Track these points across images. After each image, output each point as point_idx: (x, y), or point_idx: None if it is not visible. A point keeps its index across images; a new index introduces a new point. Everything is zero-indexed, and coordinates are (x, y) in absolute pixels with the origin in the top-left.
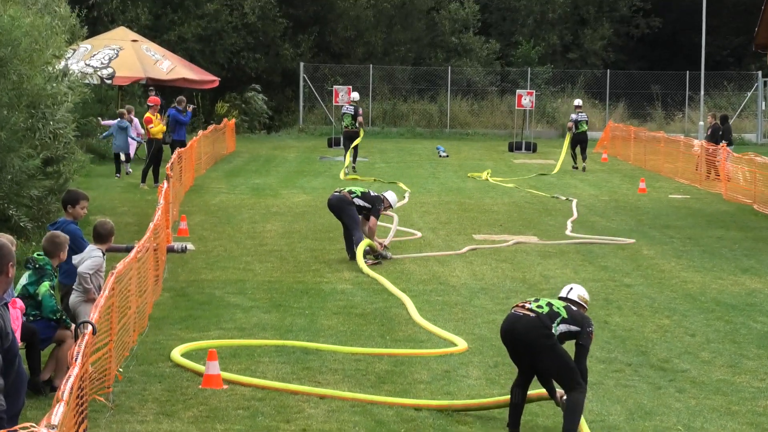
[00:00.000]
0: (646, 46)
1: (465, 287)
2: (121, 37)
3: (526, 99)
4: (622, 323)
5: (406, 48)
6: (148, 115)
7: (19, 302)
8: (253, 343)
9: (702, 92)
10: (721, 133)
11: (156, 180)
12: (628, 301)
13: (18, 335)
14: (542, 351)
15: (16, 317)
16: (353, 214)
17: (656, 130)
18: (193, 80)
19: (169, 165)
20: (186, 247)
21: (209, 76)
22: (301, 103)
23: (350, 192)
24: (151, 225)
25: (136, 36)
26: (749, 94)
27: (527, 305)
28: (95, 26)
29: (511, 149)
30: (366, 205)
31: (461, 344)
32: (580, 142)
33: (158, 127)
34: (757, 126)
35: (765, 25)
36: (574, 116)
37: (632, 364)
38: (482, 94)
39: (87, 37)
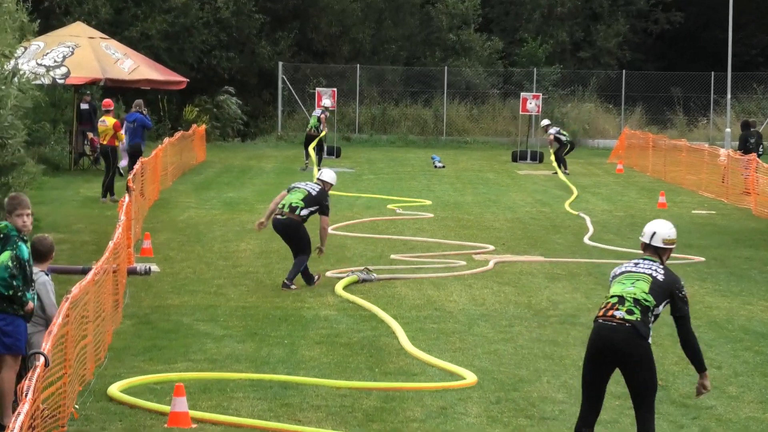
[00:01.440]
0: (666, 43)
1: (463, 313)
2: (77, 33)
3: (532, 103)
4: None
5: (397, 46)
6: (116, 120)
7: None
8: (225, 377)
9: (728, 95)
10: (752, 141)
11: (110, 193)
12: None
13: None
14: (640, 363)
15: None
16: (304, 236)
17: (677, 138)
18: (158, 81)
19: (131, 176)
20: (150, 268)
21: (177, 77)
22: (280, 108)
23: (293, 209)
24: (111, 244)
25: (94, 32)
26: None
27: (617, 313)
28: (48, 20)
29: (514, 159)
30: (314, 209)
31: (470, 377)
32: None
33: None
34: None
35: None
36: (552, 131)
37: None
38: (483, 97)
39: (39, 33)
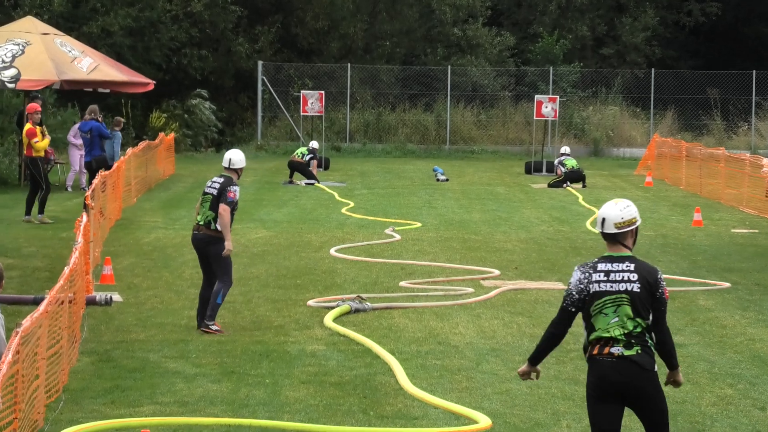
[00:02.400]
0: (701, 38)
1: (471, 348)
2: (27, 28)
3: (548, 107)
4: (672, 393)
5: (393, 42)
6: (29, 126)
7: None
8: (198, 422)
9: None
10: None
11: (29, 211)
12: (681, 366)
13: None
14: (653, 397)
15: None
16: (221, 259)
17: (714, 147)
18: (120, 83)
19: (89, 192)
20: (111, 298)
21: (142, 79)
22: (260, 113)
23: (207, 224)
24: (66, 270)
25: (47, 27)
26: None
27: (614, 350)
28: None
29: (528, 171)
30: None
31: (482, 421)
32: (576, 180)
33: (43, 141)
34: None
35: None
36: (556, 160)
37: None
38: (492, 100)
39: None
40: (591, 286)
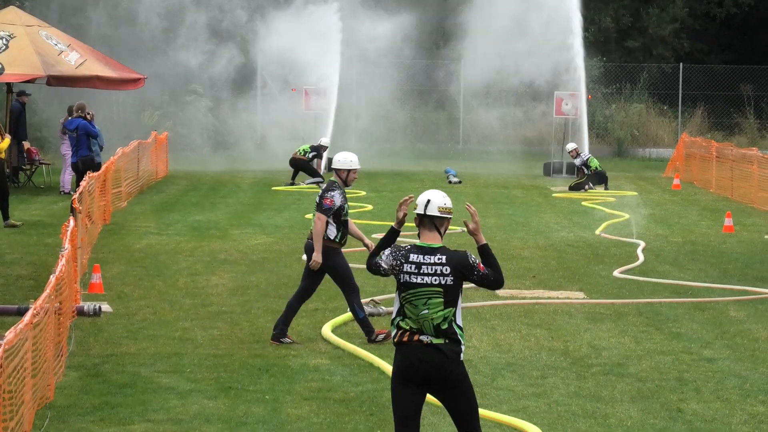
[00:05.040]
0: (734, 31)
1: (485, 362)
2: (11, 20)
3: (569, 104)
4: (701, 411)
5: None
6: None
7: None
8: None
9: None
10: None
11: (6, 216)
12: (710, 382)
13: None
14: (458, 383)
15: None
16: (338, 265)
17: (747, 147)
18: (111, 80)
19: (76, 195)
20: (100, 308)
21: (133, 74)
22: (259, 111)
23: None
24: (52, 278)
25: (31, 19)
26: None
27: (423, 338)
28: None
29: (547, 173)
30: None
31: (532, 430)
32: (600, 183)
33: (3, 142)
34: None
35: None
36: (578, 160)
37: None
38: (508, 97)
39: None
40: (402, 276)
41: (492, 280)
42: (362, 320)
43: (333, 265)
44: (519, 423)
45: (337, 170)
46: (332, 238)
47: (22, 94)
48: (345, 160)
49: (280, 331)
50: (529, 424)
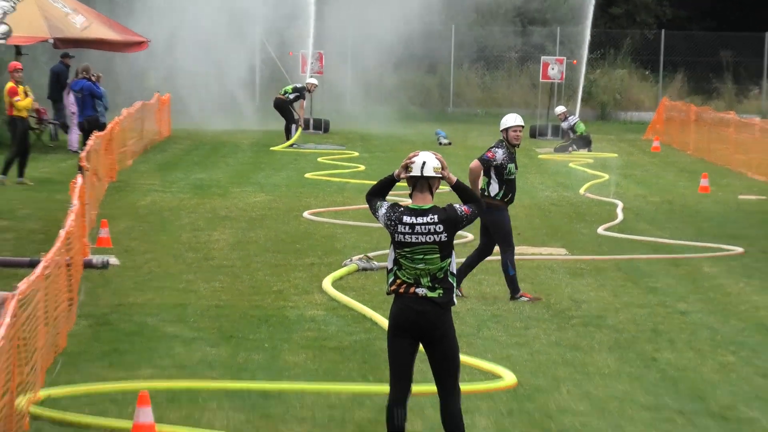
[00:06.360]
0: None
1: (472, 314)
2: None
3: (555, 68)
4: (674, 361)
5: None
6: (11, 85)
7: None
8: (196, 386)
9: None
10: None
11: (21, 173)
12: (683, 333)
13: None
14: (446, 334)
15: None
16: (495, 227)
17: (725, 111)
18: (114, 43)
19: (84, 153)
20: (108, 261)
21: (137, 38)
22: (258, 74)
23: (483, 189)
24: (62, 233)
25: None
26: None
27: (419, 290)
28: None
29: (533, 135)
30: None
31: (508, 377)
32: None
33: (26, 101)
34: None
35: None
36: (565, 124)
37: (686, 412)
38: (496, 62)
39: None
40: (396, 235)
41: (477, 213)
42: (512, 277)
43: (493, 221)
44: (498, 369)
45: (501, 130)
46: (493, 195)
47: (65, 56)
48: (503, 120)
49: (514, 289)
50: (505, 370)
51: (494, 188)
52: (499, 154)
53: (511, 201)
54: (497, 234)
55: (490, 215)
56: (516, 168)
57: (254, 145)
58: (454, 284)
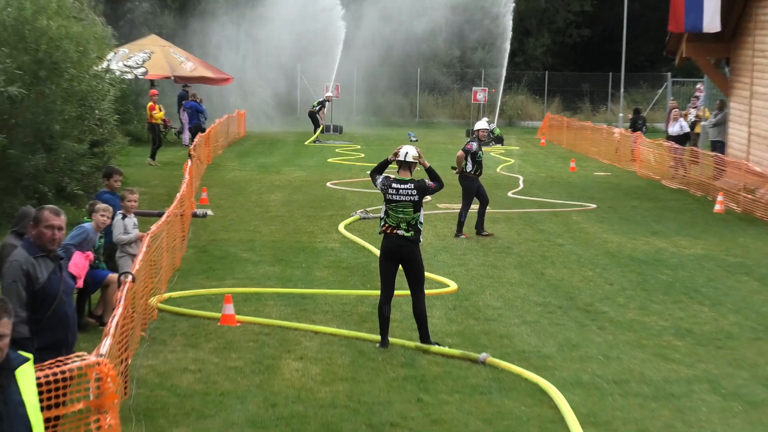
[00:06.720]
0: (578, 52)
1: (430, 246)
2: (152, 43)
3: (481, 95)
4: (555, 275)
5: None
6: (151, 104)
7: (91, 254)
8: (260, 291)
9: (622, 90)
10: (640, 123)
11: (153, 157)
12: (560, 257)
13: (81, 281)
14: (416, 260)
15: (83, 266)
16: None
17: (584, 120)
18: (211, 78)
19: (192, 146)
20: (206, 213)
21: (224, 75)
22: (299, 97)
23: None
24: (178, 195)
25: (165, 42)
26: (660, 91)
27: (399, 231)
28: (131, 29)
29: (468, 135)
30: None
31: (453, 285)
32: (499, 142)
33: (159, 113)
34: (665, 117)
35: (673, 37)
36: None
37: (563, 307)
38: (446, 90)
39: (123, 41)
40: (388, 194)
41: (439, 187)
42: (461, 222)
43: (465, 186)
44: (446, 280)
45: (474, 131)
46: (469, 170)
47: (186, 86)
48: (476, 125)
49: (459, 230)
50: (451, 281)
51: (469, 166)
52: (474, 145)
53: (479, 174)
54: (464, 193)
55: (464, 182)
56: (482, 153)
57: (295, 141)
58: (421, 229)
